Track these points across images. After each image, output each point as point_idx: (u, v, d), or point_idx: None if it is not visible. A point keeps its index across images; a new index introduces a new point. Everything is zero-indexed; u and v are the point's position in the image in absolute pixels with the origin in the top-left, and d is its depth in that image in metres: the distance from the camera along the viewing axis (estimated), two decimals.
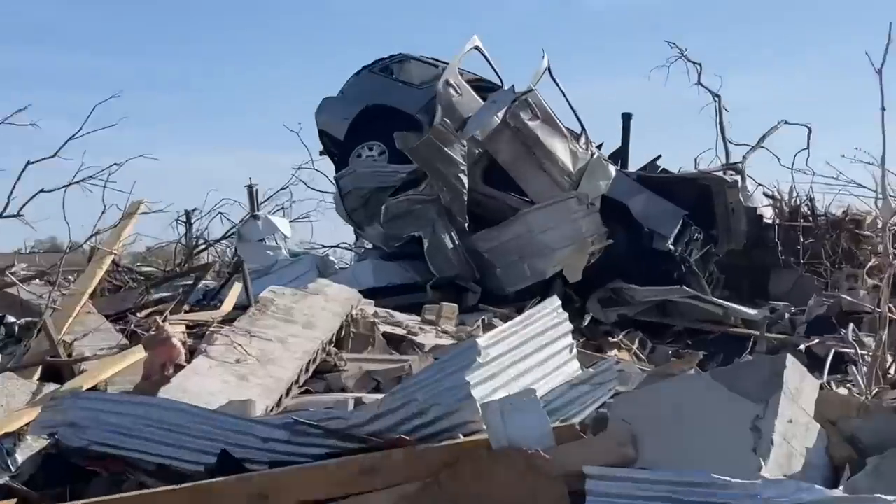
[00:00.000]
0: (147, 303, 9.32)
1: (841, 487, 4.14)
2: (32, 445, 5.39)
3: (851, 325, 9.57)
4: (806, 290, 12.79)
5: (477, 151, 12.23)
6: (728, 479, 3.94)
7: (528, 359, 5.58)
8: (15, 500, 4.85)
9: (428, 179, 12.17)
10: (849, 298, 11.30)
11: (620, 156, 14.10)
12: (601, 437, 4.61)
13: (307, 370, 7.14)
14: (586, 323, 10.96)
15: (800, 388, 4.65)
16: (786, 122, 16.73)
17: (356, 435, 4.90)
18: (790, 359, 4.75)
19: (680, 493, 3.97)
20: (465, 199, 12.09)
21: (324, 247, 17.41)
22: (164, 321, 7.68)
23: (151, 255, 17.15)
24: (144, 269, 14.29)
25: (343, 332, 8.12)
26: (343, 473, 4.66)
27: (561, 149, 12.61)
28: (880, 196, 9.20)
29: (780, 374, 4.54)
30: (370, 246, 13.51)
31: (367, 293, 9.68)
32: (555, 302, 6.32)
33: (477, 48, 13.56)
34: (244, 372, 6.59)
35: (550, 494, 4.24)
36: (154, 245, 17.04)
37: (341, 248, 17.12)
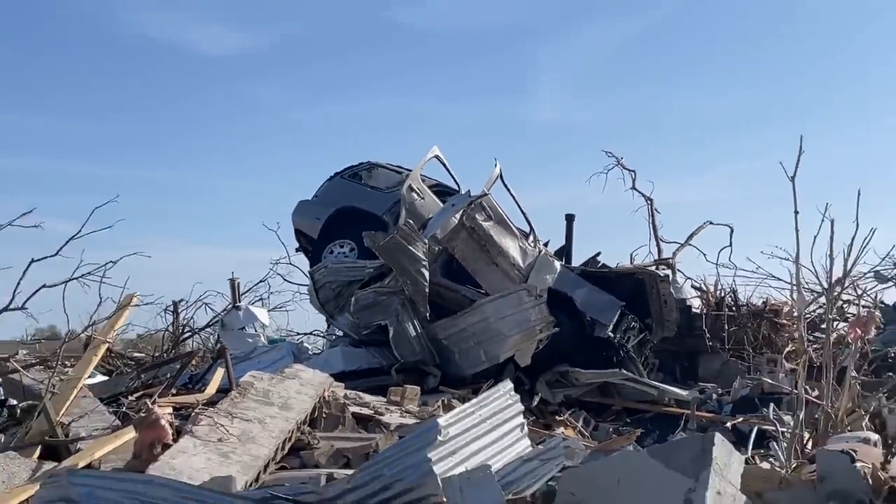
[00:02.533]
0: (137, 387, 9.23)
1: None
2: None
3: (772, 405, 9.58)
4: (731, 373, 12.83)
5: (437, 249, 12.27)
6: None
7: (484, 437, 5.58)
8: None
9: (393, 274, 12.16)
10: (769, 381, 11.35)
11: (564, 253, 14.19)
12: None
13: (283, 448, 7.08)
14: (535, 403, 10.85)
15: (727, 463, 4.66)
16: (710, 223, 16.88)
17: None
18: (718, 436, 4.76)
19: None
20: (427, 291, 12.07)
21: (299, 334, 17.30)
22: (153, 404, 7.60)
23: (141, 343, 17.01)
24: (135, 355, 14.18)
25: (316, 413, 8.05)
26: None
27: (512, 246, 12.67)
28: (795, 288, 9.30)
29: (710, 450, 4.54)
30: (341, 333, 13.42)
31: (338, 377, 9.61)
32: (507, 385, 6.32)
33: (437, 157, 13.68)
34: (226, 450, 6.52)
35: None
36: (144, 333, 16.95)
37: (314, 335, 16.98)
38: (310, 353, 13.22)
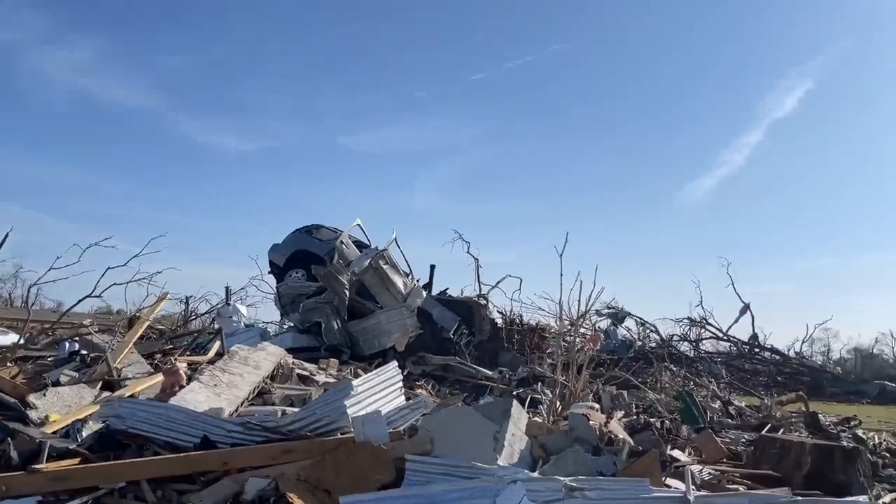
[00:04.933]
0: (165, 349, 8.81)
1: (537, 471, 4.19)
2: (93, 427, 4.98)
3: (540, 384, 9.76)
4: (517, 362, 12.98)
5: (354, 279, 12.18)
6: (481, 464, 3.94)
7: (378, 393, 5.51)
8: (79, 458, 4.45)
9: (327, 291, 12.02)
10: (539, 369, 11.57)
11: (428, 287, 14.21)
12: (415, 439, 4.55)
13: (254, 392, 6.84)
14: (405, 374, 10.76)
15: (519, 416, 4.72)
16: (509, 276, 17.19)
17: (281, 431, 4.72)
18: (514, 401, 4.83)
19: (456, 471, 3.95)
20: (346, 303, 11.98)
21: (264, 322, 16.84)
22: (175, 360, 7.27)
23: (163, 320, 16.35)
24: (158, 327, 13.56)
25: (275, 372, 7.82)
26: (272, 452, 4.48)
27: (399, 281, 12.66)
28: (558, 317, 9.55)
29: (510, 408, 4.60)
30: (292, 324, 13.11)
31: (289, 351, 9.34)
32: (393, 363, 6.28)
33: (359, 225, 13.69)
34: (219, 391, 6.25)
35: (387, 469, 4.15)
36: (165, 314, 16.42)
37: (273, 323, 16.59)
38: (270, 335, 12.82)
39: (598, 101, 52.16)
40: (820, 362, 25.05)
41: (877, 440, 8.07)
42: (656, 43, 50.71)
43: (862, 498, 4.89)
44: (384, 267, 12.41)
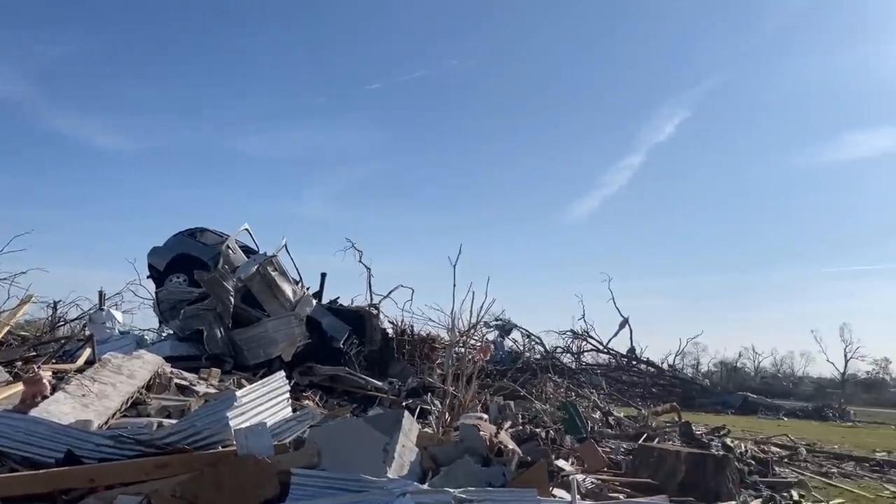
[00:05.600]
0: (27, 356, 8.11)
1: (427, 483, 4.16)
2: None
3: (429, 394, 9.76)
4: (407, 373, 12.91)
5: (240, 285, 11.74)
6: (370, 477, 3.86)
7: (263, 404, 5.31)
8: None
9: (210, 298, 11.51)
10: (429, 379, 11.57)
11: (319, 295, 13.90)
12: (301, 452, 4.41)
13: (127, 403, 6.40)
14: (292, 384, 10.44)
15: (410, 428, 4.67)
16: (401, 286, 17.03)
17: (156, 444, 4.45)
18: (406, 412, 4.79)
19: (344, 485, 3.85)
20: (231, 310, 11.52)
21: (141, 330, 15.88)
22: (38, 368, 6.70)
23: (27, 326, 15.08)
24: (21, 333, 12.52)
25: (152, 382, 7.37)
26: (145, 467, 4.20)
27: (288, 288, 12.32)
28: (447, 327, 9.59)
29: (401, 420, 4.55)
30: (172, 332, 12.42)
31: (168, 359, 8.82)
32: (280, 374, 6.08)
33: (247, 229, 13.21)
34: (87, 402, 5.81)
35: (270, 484, 3.98)
36: (30, 319, 15.24)
37: (152, 331, 15.66)
38: (148, 342, 12.10)
39: (490, 118, 53.46)
40: (690, 375, 26.63)
41: (743, 448, 8.63)
42: (547, 67, 52.77)
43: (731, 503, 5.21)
44: (272, 273, 12.04)
